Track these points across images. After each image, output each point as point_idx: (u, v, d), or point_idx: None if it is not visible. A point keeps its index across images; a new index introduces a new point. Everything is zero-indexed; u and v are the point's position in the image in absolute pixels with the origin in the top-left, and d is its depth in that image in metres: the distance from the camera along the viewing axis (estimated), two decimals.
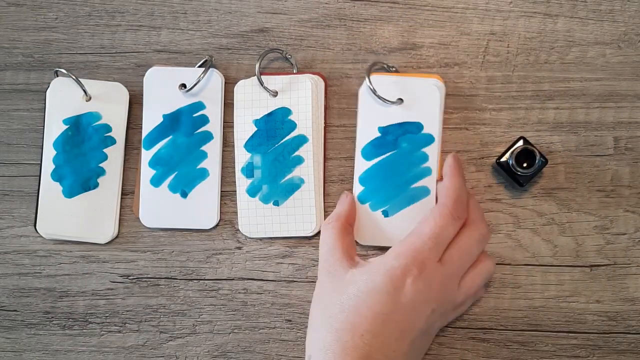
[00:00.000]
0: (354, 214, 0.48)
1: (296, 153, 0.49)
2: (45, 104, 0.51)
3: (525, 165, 0.47)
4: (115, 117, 0.51)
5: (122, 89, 0.51)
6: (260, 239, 0.50)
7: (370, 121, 0.49)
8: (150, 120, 0.50)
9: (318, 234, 0.49)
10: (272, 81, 0.50)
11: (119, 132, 0.51)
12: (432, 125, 0.48)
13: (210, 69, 0.50)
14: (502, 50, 0.50)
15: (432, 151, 0.48)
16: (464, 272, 0.44)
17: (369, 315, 0.40)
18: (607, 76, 0.49)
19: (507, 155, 0.47)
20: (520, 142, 0.47)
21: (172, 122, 0.50)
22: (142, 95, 0.51)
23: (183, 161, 0.50)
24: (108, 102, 0.51)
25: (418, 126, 0.48)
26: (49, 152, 0.50)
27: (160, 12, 0.52)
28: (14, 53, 0.52)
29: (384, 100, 0.48)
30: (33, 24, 0.53)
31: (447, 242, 0.43)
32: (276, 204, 0.49)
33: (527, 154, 0.47)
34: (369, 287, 0.41)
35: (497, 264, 0.49)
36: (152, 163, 0.50)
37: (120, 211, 0.51)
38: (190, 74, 0.50)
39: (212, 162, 0.50)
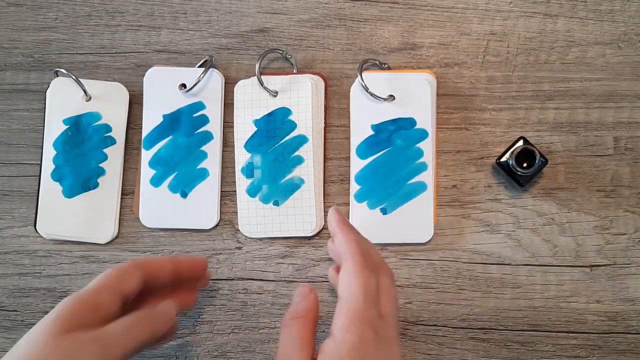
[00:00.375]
0: (318, 311, 0.42)
1: (296, 153, 0.49)
2: (45, 104, 0.51)
3: (525, 165, 0.47)
4: (115, 117, 0.51)
5: (122, 89, 0.51)
6: (260, 239, 0.50)
7: (362, 119, 0.49)
8: (150, 120, 0.50)
9: (318, 234, 0.49)
10: (272, 81, 0.50)
11: (119, 132, 0.51)
12: (425, 120, 0.48)
13: (210, 69, 0.50)
14: (502, 50, 0.50)
15: (427, 146, 0.48)
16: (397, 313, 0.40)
17: None
18: (607, 76, 0.49)
19: (507, 155, 0.47)
20: (520, 142, 0.47)
21: (172, 122, 0.50)
22: (142, 95, 0.51)
23: (183, 161, 0.50)
24: (108, 102, 0.51)
25: (411, 122, 0.48)
26: (49, 152, 0.50)
27: (160, 12, 0.52)
28: (14, 53, 0.52)
29: (376, 97, 0.48)
30: (33, 24, 0.53)
31: (377, 294, 0.39)
32: (276, 204, 0.49)
33: (527, 154, 0.47)
34: None
35: (497, 264, 0.49)
36: (152, 163, 0.50)
37: (120, 211, 0.51)
38: (190, 74, 0.50)
39: (212, 162, 0.50)
